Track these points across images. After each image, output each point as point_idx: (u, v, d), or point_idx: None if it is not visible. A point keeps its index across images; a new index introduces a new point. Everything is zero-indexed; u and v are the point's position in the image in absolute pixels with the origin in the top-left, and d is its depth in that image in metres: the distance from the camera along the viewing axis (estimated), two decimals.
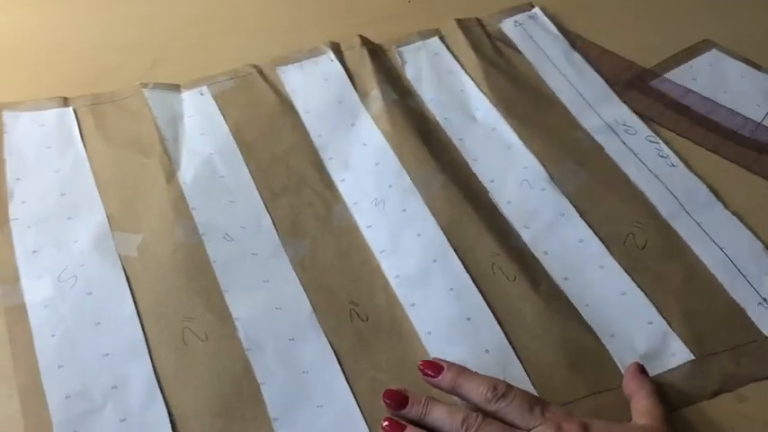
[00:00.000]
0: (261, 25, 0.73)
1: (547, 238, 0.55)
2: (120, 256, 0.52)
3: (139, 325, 0.48)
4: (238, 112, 0.62)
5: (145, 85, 0.63)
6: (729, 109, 0.65)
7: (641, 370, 0.46)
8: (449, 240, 0.53)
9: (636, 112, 0.65)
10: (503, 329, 0.49)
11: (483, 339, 0.48)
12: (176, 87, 0.64)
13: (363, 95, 0.64)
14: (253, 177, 0.58)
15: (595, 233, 0.55)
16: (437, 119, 0.63)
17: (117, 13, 0.73)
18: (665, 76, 0.68)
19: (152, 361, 0.47)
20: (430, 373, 0.45)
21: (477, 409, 0.43)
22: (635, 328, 0.49)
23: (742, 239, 0.55)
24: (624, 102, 0.65)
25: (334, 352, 0.48)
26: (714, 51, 0.71)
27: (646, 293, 0.51)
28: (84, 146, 0.59)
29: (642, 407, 0.43)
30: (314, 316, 0.49)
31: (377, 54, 0.68)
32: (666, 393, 0.46)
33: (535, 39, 0.71)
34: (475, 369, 0.45)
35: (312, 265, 0.52)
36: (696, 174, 0.60)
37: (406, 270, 0.52)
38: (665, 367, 0.48)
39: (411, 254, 0.53)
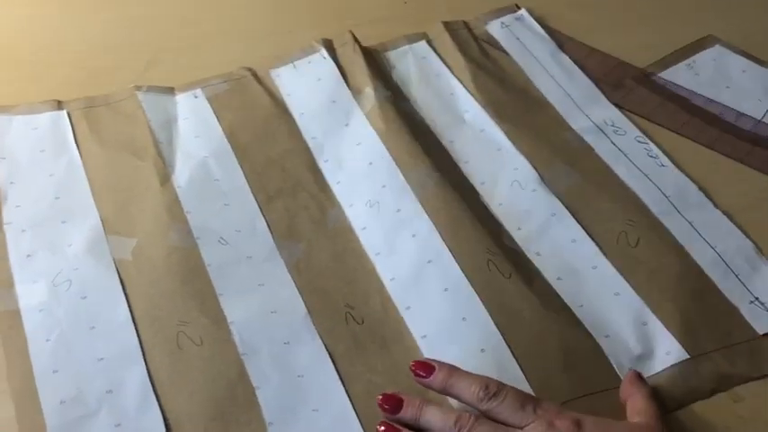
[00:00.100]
0: (255, 27, 0.73)
1: (539, 239, 0.55)
2: (114, 259, 0.52)
3: (134, 329, 0.48)
4: (233, 115, 0.62)
5: (139, 88, 0.63)
6: (731, 108, 0.66)
7: (639, 377, 0.46)
8: (443, 240, 0.53)
9: (630, 110, 0.65)
10: (498, 329, 0.49)
11: (479, 339, 0.48)
12: (170, 90, 0.64)
13: (356, 93, 0.64)
14: (247, 180, 0.58)
15: (588, 233, 0.55)
16: (426, 122, 0.63)
17: (111, 15, 0.73)
18: (667, 70, 0.69)
19: (147, 365, 0.46)
20: (421, 373, 0.45)
21: (471, 409, 0.43)
22: (629, 328, 0.49)
23: (733, 238, 0.55)
24: (615, 101, 0.65)
25: (330, 355, 0.48)
26: (718, 47, 0.71)
27: (639, 293, 0.51)
28: (78, 149, 0.59)
29: (637, 406, 0.44)
30: (309, 319, 0.49)
31: (368, 53, 0.68)
32: (661, 393, 0.46)
33: (522, 40, 0.71)
34: (471, 369, 0.45)
35: (307, 268, 0.52)
36: (686, 173, 0.60)
37: (401, 272, 0.52)
38: (660, 367, 0.48)
39: (406, 255, 0.53)
